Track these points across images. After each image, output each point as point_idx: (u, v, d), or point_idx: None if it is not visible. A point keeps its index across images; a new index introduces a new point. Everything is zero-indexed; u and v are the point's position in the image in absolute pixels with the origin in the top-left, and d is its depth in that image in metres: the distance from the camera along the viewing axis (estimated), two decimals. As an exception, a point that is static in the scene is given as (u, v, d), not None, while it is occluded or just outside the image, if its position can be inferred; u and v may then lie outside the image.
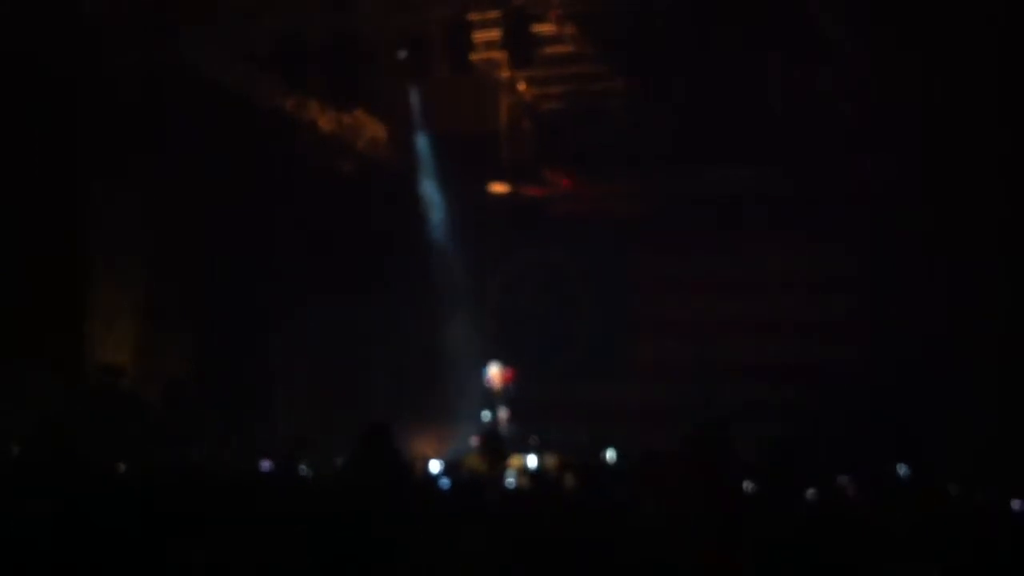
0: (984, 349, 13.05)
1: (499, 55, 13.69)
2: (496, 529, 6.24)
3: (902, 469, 10.63)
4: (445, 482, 9.95)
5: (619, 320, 16.22)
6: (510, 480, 11.35)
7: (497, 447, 13.26)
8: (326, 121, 15.30)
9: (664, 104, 14.13)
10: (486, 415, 14.05)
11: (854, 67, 13.27)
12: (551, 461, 12.78)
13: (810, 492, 8.68)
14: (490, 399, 14.20)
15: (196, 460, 10.65)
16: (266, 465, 10.89)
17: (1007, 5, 11.61)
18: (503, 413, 14.09)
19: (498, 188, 16.57)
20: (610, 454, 12.62)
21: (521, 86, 15.49)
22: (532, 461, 12.83)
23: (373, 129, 16.22)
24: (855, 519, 7.02)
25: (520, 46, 12.76)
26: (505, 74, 14.80)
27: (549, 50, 13.50)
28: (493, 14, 12.80)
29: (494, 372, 14.26)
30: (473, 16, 12.80)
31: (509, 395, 14.17)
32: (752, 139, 13.99)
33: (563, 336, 16.39)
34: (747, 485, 8.31)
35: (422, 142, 16.16)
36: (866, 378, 13.72)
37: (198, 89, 13.42)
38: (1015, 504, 8.66)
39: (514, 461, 12.98)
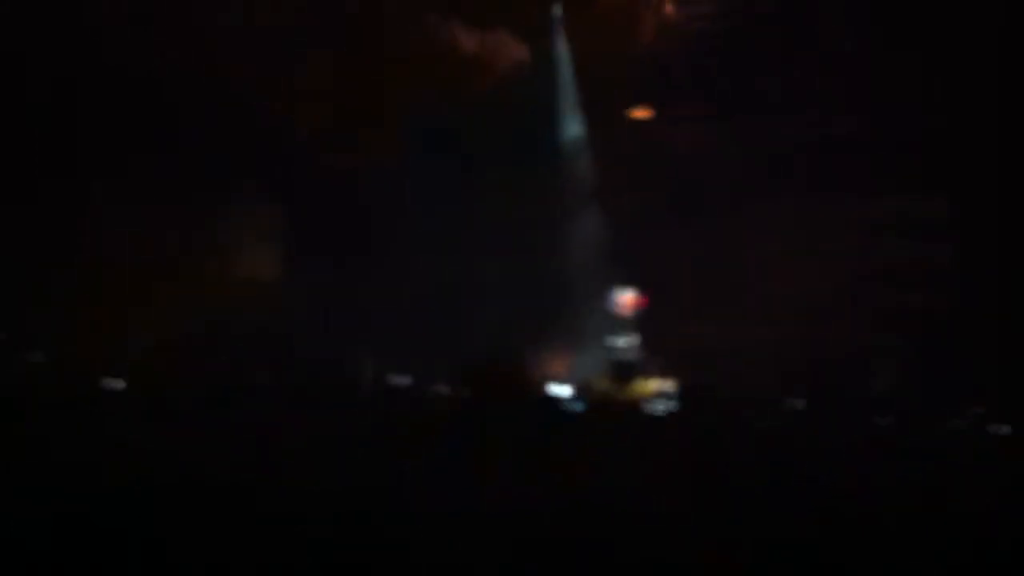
0: None
1: None
2: (496, 528, 6.23)
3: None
4: (578, 405, 10.18)
5: (730, 262, 16.05)
6: (657, 405, 11.60)
7: (625, 372, 13.44)
8: (470, 42, 15.16)
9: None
10: (614, 340, 14.05)
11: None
12: (669, 384, 13.03)
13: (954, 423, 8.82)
14: (618, 325, 14.19)
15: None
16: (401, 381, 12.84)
17: (1007, 5, 11.60)
18: (630, 339, 14.10)
19: (636, 115, 16.16)
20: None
21: (668, 7, 15.21)
22: (656, 385, 13.08)
23: (515, 50, 15.99)
24: (855, 519, 7.01)
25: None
26: None
27: None
28: None
29: (624, 298, 14.24)
30: None
31: (637, 321, 14.15)
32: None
33: (681, 273, 16.22)
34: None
35: (564, 64, 15.93)
36: (963, 323, 13.69)
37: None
38: None
39: (641, 386, 13.14)
